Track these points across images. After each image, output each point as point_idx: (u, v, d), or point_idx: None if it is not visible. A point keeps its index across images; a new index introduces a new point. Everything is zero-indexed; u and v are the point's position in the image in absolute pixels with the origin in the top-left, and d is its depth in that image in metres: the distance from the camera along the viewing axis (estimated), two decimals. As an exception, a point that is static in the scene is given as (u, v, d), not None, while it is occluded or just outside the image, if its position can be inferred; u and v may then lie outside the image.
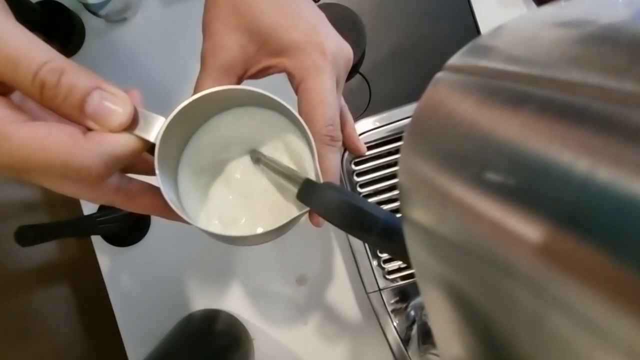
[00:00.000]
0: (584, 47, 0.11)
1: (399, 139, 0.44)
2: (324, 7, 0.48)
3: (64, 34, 0.53)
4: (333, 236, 0.54)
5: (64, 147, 0.20)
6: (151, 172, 0.25)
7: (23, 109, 0.21)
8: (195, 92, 0.27)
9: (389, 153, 0.44)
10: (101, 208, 0.53)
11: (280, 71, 0.30)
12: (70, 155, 0.20)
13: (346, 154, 0.44)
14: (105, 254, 0.55)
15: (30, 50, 0.20)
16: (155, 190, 0.25)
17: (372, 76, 0.53)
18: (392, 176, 0.44)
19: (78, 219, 0.50)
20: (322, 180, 0.28)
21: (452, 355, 0.15)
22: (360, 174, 0.45)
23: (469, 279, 0.12)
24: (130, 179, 0.26)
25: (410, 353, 0.44)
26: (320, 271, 0.54)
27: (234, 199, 0.30)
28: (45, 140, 0.20)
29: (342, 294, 0.53)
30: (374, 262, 0.45)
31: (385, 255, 0.45)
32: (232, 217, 0.30)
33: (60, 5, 0.53)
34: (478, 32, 0.53)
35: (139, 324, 0.54)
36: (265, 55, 0.29)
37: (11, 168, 0.21)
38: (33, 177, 0.22)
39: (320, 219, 0.28)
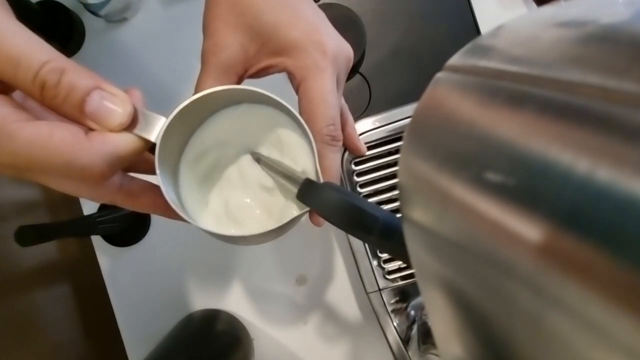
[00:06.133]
0: (584, 47, 0.11)
1: (399, 139, 0.44)
2: (324, 7, 0.48)
3: (64, 34, 0.53)
4: (333, 236, 0.54)
5: (67, 146, 0.20)
6: (153, 171, 0.25)
7: (25, 107, 0.21)
8: (196, 92, 0.27)
9: (389, 153, 0.44)
10: (101, 208, 0.53)
11: (280, 70, 0.30)
12: (73, 155, 0.21)
13: (346, 154, 0.44)
14: (105, 254, 0.55)
15: (31, 50, 0.20)
16: (157, 189, 0.25)
17: (372, 76, 0.53)
18: (392, 176, 0.44)
19: (78, 219, 0.50)
20: (322, 180, 0.28)
21: (452, 355, 0.15)
22: (360, 174, 0.45)
23: (469, 279, 0.12)
24: (132, 178, 0.26)
25: (410, 353, 0.44)
26: (320, 271, 0.54)
27: (234, 198, 0.30)
28: (48, 139, 0.20)
29: (342, 294, 0.53)
30: (374, 262, 0.45)
31: (385, 255, 0.45)
32: (232, 217, 0.30)
33: (60, 5, 0.53)
34: (478, 32, 0.53)
35: (139, 324, 0.54)
36: (265, 55, 0.29)
37: (14, 167, 0.21)
38: (36, 176, 0.22)
39: (321, 219, 0.28)
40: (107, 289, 0.54)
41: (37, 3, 0.53)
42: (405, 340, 0.45)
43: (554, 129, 0.10)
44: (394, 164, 0.44)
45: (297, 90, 0.29)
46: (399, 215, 0.19)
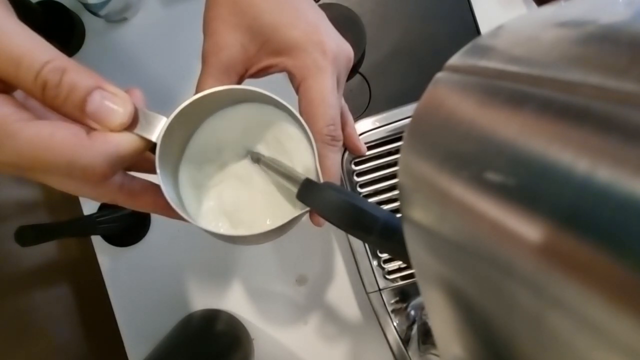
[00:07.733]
0: (584, 47, 0.11)
1: (399, 139, 0.44)
2: (324, 7, 0.48)
3: (64, 34, 0.53)
4: (333, 236, 0.54)
5: (69, 146, 0.20)
6: (153, 171, 0.25)
7: (26, 107, 0.21)
8: (196, 92, 0.27)
9: (389, 153, 0.44)
10: (101, 208, 0.53)
11: (281, 70, 0.30)
12: (74, 155, 0.21)
13: (346, 154, 0.44)
14: (105, 254, 0.55)
15: (32, 49, 0.20)
16: (157, 188, 0.25)
17: (372, 76, 0.53)
18: (392, 176, 0.44)
19: (78, 219, 0.50)
20: (322, 180, 0.28)
21: (452, 355, 0.15)
22: (360, 174, 0.45)
23: (469, 279, 0.12)
24: (133, 177, 0.26)
25: (410, 353, 0.44)
26: (320, 271, 0.54)
27: (234, 198, 0.30)
28: (50, 139, 0.20)
29: (342, 294, 0.53)
30: (374, 262, 0.45)
31: (385, 255, 0.45)
32: (232, 217, 0.30)
33: (60, 5, 0.53)
34: (478, 32, 0.53)
35: (139, 324, 0.54)
36: (266, 54, 0.29)
37: (15, 166, 0.21)
38: (37, 175, 0.22)
39: (321, 219, 0.28)
40: (107, 289, 0.54)
41: (37, 3, 0.53)
42: (405, 340, 0.45)
43: (554, 129, 0.10)
44: (394, 164, 0.44)
45: (297, 90, 0.29)
46: (399, 215, 0.19)
